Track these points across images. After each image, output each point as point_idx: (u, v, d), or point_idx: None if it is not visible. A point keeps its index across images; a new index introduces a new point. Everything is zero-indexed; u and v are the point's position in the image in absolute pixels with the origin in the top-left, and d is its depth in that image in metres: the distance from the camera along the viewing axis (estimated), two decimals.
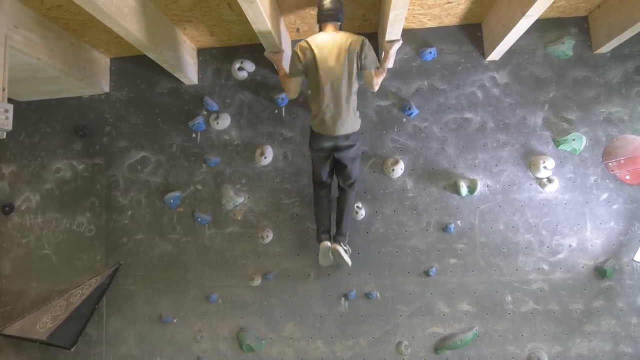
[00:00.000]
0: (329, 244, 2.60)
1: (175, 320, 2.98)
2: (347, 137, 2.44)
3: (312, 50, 2.38)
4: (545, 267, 2.78)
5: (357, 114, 2.50)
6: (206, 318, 2.95)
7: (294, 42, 3.01)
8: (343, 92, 2.37)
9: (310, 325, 2.87)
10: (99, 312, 3.00)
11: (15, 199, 3.21)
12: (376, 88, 2.53)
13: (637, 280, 2.73)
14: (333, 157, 2.54)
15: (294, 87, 2.56)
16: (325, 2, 2.38)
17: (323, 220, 2.66)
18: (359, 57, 2.37)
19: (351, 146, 2.47)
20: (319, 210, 2.68)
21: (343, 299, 2.86)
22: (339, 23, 2.45)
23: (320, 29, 2.48)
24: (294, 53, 2.46)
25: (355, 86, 2.43)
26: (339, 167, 2.58)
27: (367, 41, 2.39)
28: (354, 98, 2.43)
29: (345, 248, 2.62)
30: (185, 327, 2.96)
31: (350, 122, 2.42)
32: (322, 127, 2.43)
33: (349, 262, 2.64)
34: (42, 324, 2.83)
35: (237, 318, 2.93)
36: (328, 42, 2.37)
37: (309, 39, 2.42)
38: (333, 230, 2.68)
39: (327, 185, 2.68)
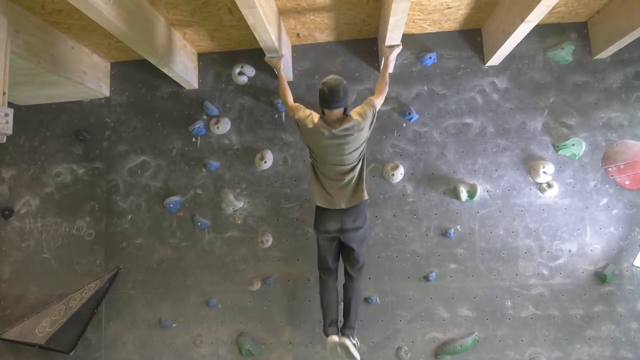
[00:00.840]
0: (336, 339, 2.40)
1: (174, 325, 2.97)
2: (354, 218, 2.34)
3: (311, 126, 2.26)
4: (545, 272, 2.78)
5: (364, 187, 2.37)
6: (206, 323, 2.95)
7: (294, 47, 3.02)
8: (347, 173, 2.30)
9: (310, 330, 2.86)
10: (98, 317, 2.99)
11: (15, 203, 3.21)
12: (381, 99, 2.41)
13: (637, 285, 2.72)
14: (339, 241, 2.42)
15: (291, 97, 2.50)
16: (328, 93, 2.20)
17: (330, 311, 2.48)
18: (368, 118, 2.26)
19: (358, 228, 2.36)
20: (325, 300, 2.50)
21: (343, 303, 2.85)
22: (343, 109, 2.28)
23: (323, 113, 2.32)
24: (299, 114, 2.34)
25: (363, 160, 2.36)
26: (345, 251, 2.46)
27: (370, 101, 2.31)
28: (360, 174, 2.35)
29: (354, 342, 2.43)
30: (184, 332, 2.95)
31: (355, 198, 2.34)
32: (324, 202, 2.36)
33: (358, 358, 2.40)
34: (41, 328, 2.82)
35: (237, 323, 2.92)
36: (332, 123, 2.25)
37: (313, 115, 2.31)
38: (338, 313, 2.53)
39: (333, 272, 2.54)
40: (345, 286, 2.53)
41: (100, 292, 2.92)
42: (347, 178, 2.33)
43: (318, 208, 2.43)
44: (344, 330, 2.45)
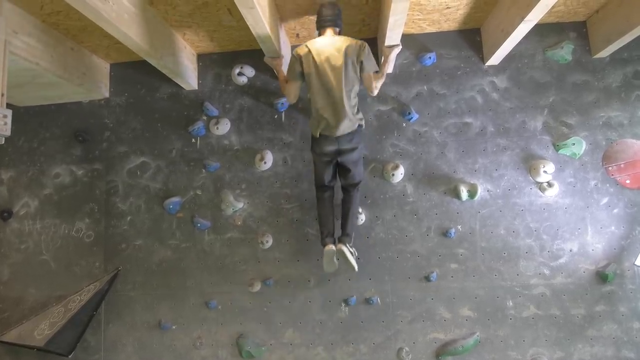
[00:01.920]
0: (333, 247, 2.54)
1: (174, 327, 2.95)
2: (349, 140, 2.42)
3: (310, 53, 2.38)
4: (547, 271, 2.77)
5: (359, 115, 2.47)
6: (205, 324, 2.93)
7: (294, 48, 3.00)
8: (342, 93, 2.35)
9: (311, 331, 2.85)
10: (98, 319, 2.98)
11: (13, 204, 3.19)
12: (375, 92, 2.54)
13: (639, 284, 2.72)
14: (336, 162, 2.52)
15: (293, 91, 2.56)
16: (324, 9, 2.41)
17: (326, 223, 2.59)
18: (358, 59, 2.37)
19: (354, 149, 2.45)
20: (321, 213, 2.62)
21: (343, 304, 2.84)
22: (338, 29, 2.46)
23: (319, 35, 2.48)
24: (293, 56, 2.46)
25: (355, 87, 2.42)
26: (342, 171, 2.56)
27: (366, 44, 2.40)
28: (353, 99, 2.42)
29: (351, 250, 2.56)
30: (184, 334, 2.94)
31: (349, 123, 2.39)
32: (322, 129, 2.41)
33: (355, 265, 2.57)
34: (39, 330, 2.81)
35: (237, 324, 2.91)
36: (327, 45, 2.38)
37: (308, 43, 2.43)
38: (337, 234, 2.63)
39: (329, 188, 2.64)
40: (342, 200, 2.65)
41: (100, 294, 2.90)
42: (342, 107, 2.35)
43: (314, 136, 2.49)
44: (341, 237, 2.57)
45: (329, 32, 2.43)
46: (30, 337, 2.80)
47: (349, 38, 2.41)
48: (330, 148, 2.44)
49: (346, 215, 2.59)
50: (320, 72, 2.36)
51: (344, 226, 2.59)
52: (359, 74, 2.42)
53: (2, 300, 3.12)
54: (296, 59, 2.43)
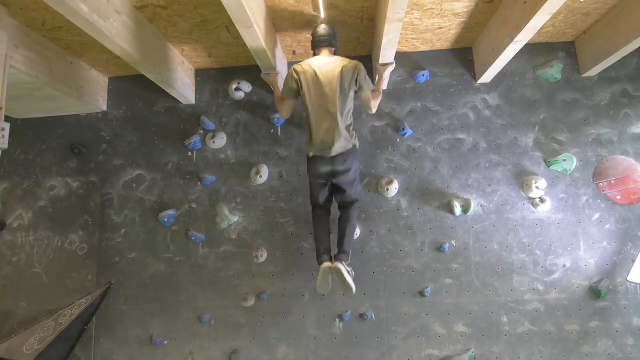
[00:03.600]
0: (330, 264, 2.43)
1: (166, 342, 2.91)
2: (344, 160, 2.39)
3: (306, 72, 2.42)
4: (540, 287, 2.77)
5: (354, 134, 2.48)
6: (198, 340, 2.90)
7: (290, 64, 3.07)
8: (337, 113, 2.37)
9: (305, 347, 2.82)
10: (89, 334, 2.93)
11: (7, 216, 3.18)
12: (374, 110, 2.57)
13: (632, 300, 2.73)
14: (332, 183, 2.50)
15: (287, 109, 2.58)
16: (319, 30, 2.48)
17: (323, 241, 2.51)
18: (354, 80, 2.41)
19: (348, 170, 2.42)
20: (318, 229, 2.55)
21: (338, 320, 2.83)
22: (333, 49, 2.52)
23: (315, 55, 2.54)
24: (288, 75, 2.51)
25: (350, 108, 2.44)
26: (338, 192, 2.53)
27: (360, 65, 2.44)
28: (348, 120, 2.44)
29: (348, 270, 2.44)
30: (176, 349, 2.90)
31: (344, 143, 2.40)
32: (316, 149, 2.41)
33: (353, 286, 2.40)
34: (29, 345, 2.75)
35: (230, 340, 2.87)
36: (322, 65, 2.42)
37: (303, 62, 2.48)
38: (334, 252, 2.55)
39: (326, 206, 2.61)
40: (340, 217, 2.59)
41: (91, 308, 2.85)
42: (336, 128, 2.36)
43: (309, 156, 2.48)
44: (338, 255, 2.46)
45: (324, 52, 2.48)
46: (19, 352, 2.73)
47: (345, 58, 2.46)
48: (325, 169, 2.42)
49: (343, 233, 2.51)
50: (316, 92, 2.40)
51: (341, 244, 2.50)
52: (354, 94, 2.45)
53: None
54: (292, 77, 2.47)
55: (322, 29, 2.46)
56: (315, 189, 2.54)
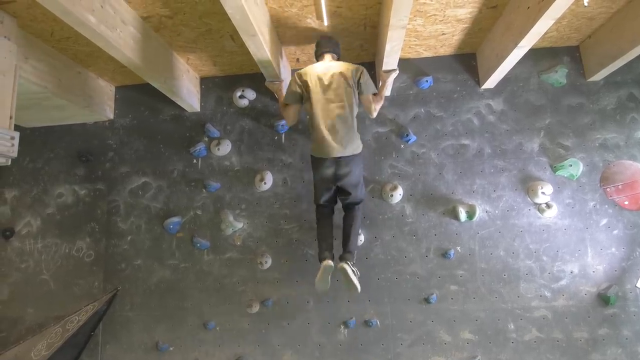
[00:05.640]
0: (331, 262, 2.38)
1: (171, 348, 2.92)
2: (347, 163, 2.40)
3: (309, 76, 2.44)
4: (548, 294, 2.74)
5: (358, 138, 2.48)
6: (203, 346, 2.90)
7: (294, 72, 3.09)
8: (340, 116, 2.39)
9: (309, 354, 2.81)
10: (95, 340, 2.96)
11: (16, 223, 3.23)
12: (374, 114, 2.59)
13: None
14: (336, 186, 2.49)
15: (292, 115, 2.61)
16: (322, 41, 2.52)
17: (326, 238, 2.47)
18: (357, 82, 2.43)
19: (352, 173, 2.43)
20: (320, 227, 2.53)
21: (343, 326, 2.82)
22: (337, 55, 2.54)
23: (318, 61, 2.56)
24: (292, 80, 2.53)
25: (354, 111, 2.45)
26: (342, 193, 2.53)
27: (363, 68, 2.46)
28: (352, 122, 2.44)
29: (353, 269, 2.38)
30: (181, 356, 2.90)
31: (349, 146, 2.40)
32: (320, 150, 2.42)
33: (358, 285, 2.36)
34: (36, 351, 2.77)
35: (235, 346, 2.87)
36: (326, 69, 2.45)
37: (307, 67, 2.50)
38: (337, 253, 2.52)
39: (329, 206, 2.61)
40: (344, 217, 2.57)
41: (98, 314, 2.89)
42: (341, 123, 2.38)
43: (313, 157, 2.49)
44: (343, 255, 2.42)
45: (327, 57, 2.51)
46: (27, 357, 2.76)
47: (348, 63, 2.48)
48: (329, 172, 2.43)
49: (348, 233, 2.48)
50: (319, 95, 2.41)
51: (345, 243, 2.46)
52: (357, 97, 2.47)
53: (0, 320, 3.11)
54: (295, 82, 2.49)
55: (325, 39, 2.52)
56: (319, 189, 2.54)
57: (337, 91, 2.39)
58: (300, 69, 3.10)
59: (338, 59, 2.56)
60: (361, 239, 2.85)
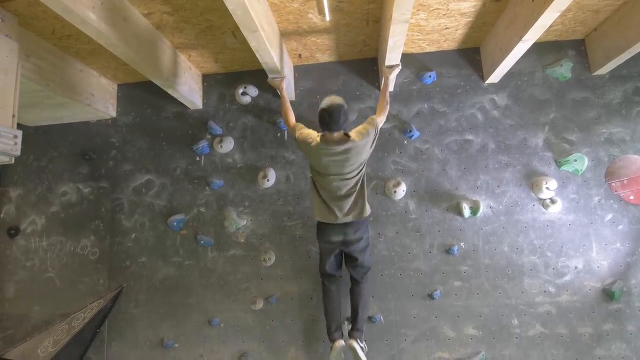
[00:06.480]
0: (343, 343, 2.40)
1: (176, 345, 2.94)
2: (356, 230, 2.35)
3: (319, 144, 2.25)
4: (552, 289, 2.73)
5: (367, 204, 2.39)
6: (208, 342, 2.92)
7: (296, 68, 3.09)
8: (348, 195, 2.31)
9: (314, 351, 2.82)
10: (101, 337, 2.98)
11: (21, 222, 3.24)
12: (380, 124, 2.41)
13: None
14: (342, 251, 2.46)
15: (292, 118, 2.53)
16: (326, 116, 2.21)
17: (334, 317, 2.48)
18: (377, 131, 2.31)
19: (360, 239, 2.38)
20: (328, 307, 2.51)
21: (346, 322, 2.82)
22: (345, 129, 2.31)
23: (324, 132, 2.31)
24: (297, 141, 2.37)
25: (363, 178, 2.36)
26: (349, 260, 2.49)
27: (374, 124, 2.30)
28: (361, 190, 2.35)
29: (362, 345, 2.40)
30: (186, 352, 2.92)
31: (356, 213, 2.33)
32: (325, 217, 2.35)
33: None
34: (43, 348, 2.81)
35: (239, 342, 2.89)
36: (335, 144, 2.24)
37: (311, 132, 2.33)
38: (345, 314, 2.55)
39: (335, 277, 2.57)
40: (351, 290, 2.55)
41: (103, 311, 2.91)
42: (347, 191, 2.33)
43: (319, 222, 2.45)
44: (352, 332, 2.46)
45: (335, 134, 2.27)
46: (34, 354, 2.79)
47: (359, 129, 2.29)
48: (336, 238, 2.38)
49: (356, 309, 2.47)
50: (325, 163, 2.27)
51: (354, 320, 2.47)
52: (369, 152, 2.32)
53: (7, 317, 3.14)
54: (305, 143, 2.31)
55: (332, 114, 2.19)
56: (325, 255, 2.48)
57: (344, 164, 2.24)
58: (302, 65, 3.09)
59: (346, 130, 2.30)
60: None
